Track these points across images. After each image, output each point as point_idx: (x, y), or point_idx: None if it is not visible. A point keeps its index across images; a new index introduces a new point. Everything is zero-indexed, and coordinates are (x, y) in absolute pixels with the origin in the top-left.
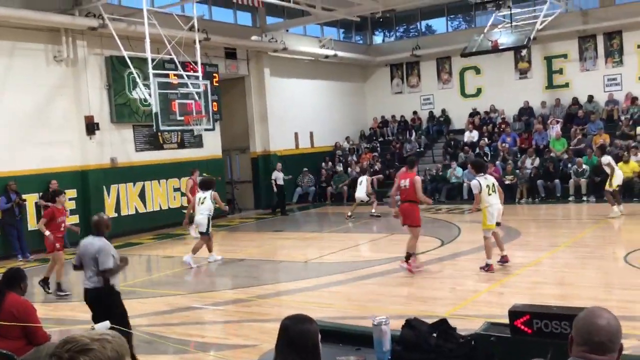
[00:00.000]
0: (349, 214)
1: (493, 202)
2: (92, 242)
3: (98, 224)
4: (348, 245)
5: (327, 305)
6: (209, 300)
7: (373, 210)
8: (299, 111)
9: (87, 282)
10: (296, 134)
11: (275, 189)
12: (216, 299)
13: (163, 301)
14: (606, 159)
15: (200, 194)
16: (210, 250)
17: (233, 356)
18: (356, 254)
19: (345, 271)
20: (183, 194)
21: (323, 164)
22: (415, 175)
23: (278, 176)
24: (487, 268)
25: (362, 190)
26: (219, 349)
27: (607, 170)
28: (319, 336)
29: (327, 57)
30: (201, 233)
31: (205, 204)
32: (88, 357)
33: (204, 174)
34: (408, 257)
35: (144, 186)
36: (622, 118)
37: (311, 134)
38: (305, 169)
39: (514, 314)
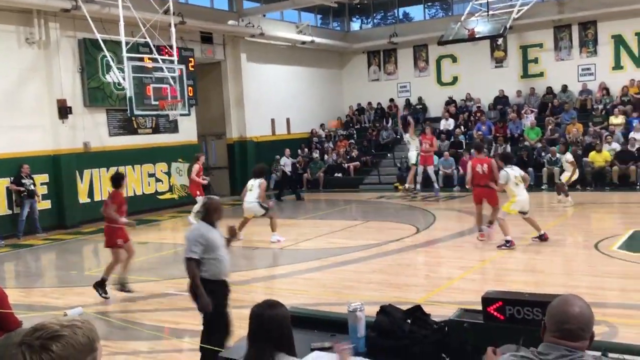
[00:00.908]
0: (407, 186)
1: (520, 193)
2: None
3: (206, 208)
4: (323, 232)
5: (302, 291)
6: (184, 286)
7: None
8: (275, 97)
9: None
10: (272, 120)
11: (279, 175)
12: None
13: (137, 287)
14: (570, 156)
15: (251, 182)
16: (273, 229)
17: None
18: (331, 240)
19: (320, 258)
20: (157, 180)
21: (299, 150)
22: (491, 159)
23: (287, 162)
24: (509, 244)
25: (413, 154)
26: (194, 335)
27: (569, 167)
28: (289, 320)
29: (304, 43)
30: (264, 215)
31: (253, 191)
32: (60, 344)
33: (179, 160)
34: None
35: (117, 171)
36: (595, 108)
37: (288, 120)
38: (278, 156)
39: (487, 300)
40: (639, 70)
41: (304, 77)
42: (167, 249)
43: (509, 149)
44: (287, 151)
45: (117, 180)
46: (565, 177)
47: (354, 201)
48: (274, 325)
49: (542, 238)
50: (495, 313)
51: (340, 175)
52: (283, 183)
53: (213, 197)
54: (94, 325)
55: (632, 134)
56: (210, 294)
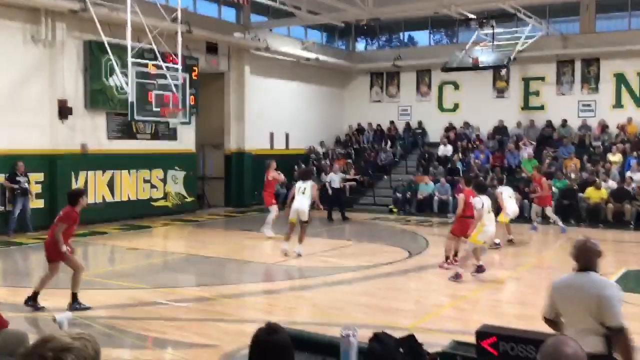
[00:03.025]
0: (511, 237)
1: (488, 223)
2: (583, 278)
3: (580, 249)
4: (315, 250)
5: (290, 309)
6: (172, 296)
7: (510, 236)
8: (276, 112)
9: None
10: (272, 134)
11: (330, 192)
12: (179, 295)
13: (125, 294)
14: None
15: (300, 184)
16: (300, 241)
17: (193, 355)
18: (323, 259)
19: (311, 276)
20: (152, 187)
21: (296, 166)
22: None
23: (333, 178)
24: (457, 278)
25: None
26: (179, 346)
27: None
28: (291, 346)
29: (308, 59)
30: (304, 222)
31: (306, 193)
32: (73, 355)
33: (176, 167)
34: None
35: (113, 175)
36: (594, 144)
37: (287, 135)
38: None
39: (481, 334)
40: (639, 110)
41: (306, 93)
42: (157, 257)
43: (505, 179)
44: (335, 166)
45: (74, 197)
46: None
47: (348, 221)
48: (277, 352)
49: (456, 278)
50: (488, 348)
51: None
52: (332, 201)
53: (585, 237)
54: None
55: (628, 173)
56: None
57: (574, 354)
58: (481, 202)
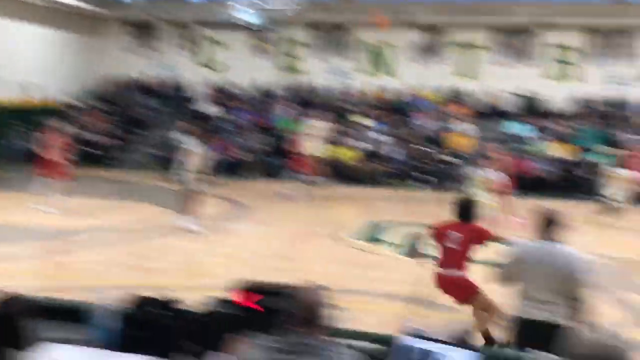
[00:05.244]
0: None
1: None
2: (554, 251)
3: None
4: (82, 209)
5: (41, 274)
6: None
7: None
8: (21, 60)
9: (541, 311)
10: (20, 84)
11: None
12: None
13: None
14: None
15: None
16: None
17: None
18: (90, 221)
19: (70, 239)
20: None
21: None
22: None
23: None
24: None
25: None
26: None
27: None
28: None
29: (57, 2)
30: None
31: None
32: None
33: None
34: None
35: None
36: (348, 108)
37: (36, 86)
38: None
39: (240, 290)
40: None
41: (56, 41)
42: None
43: (264, 138)
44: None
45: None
46: None
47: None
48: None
49: None
50: (248, 303)
51: (93, 150)
52: None
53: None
54: None
55: (380, 137)
56: None
57: (318, 301)
58: None
